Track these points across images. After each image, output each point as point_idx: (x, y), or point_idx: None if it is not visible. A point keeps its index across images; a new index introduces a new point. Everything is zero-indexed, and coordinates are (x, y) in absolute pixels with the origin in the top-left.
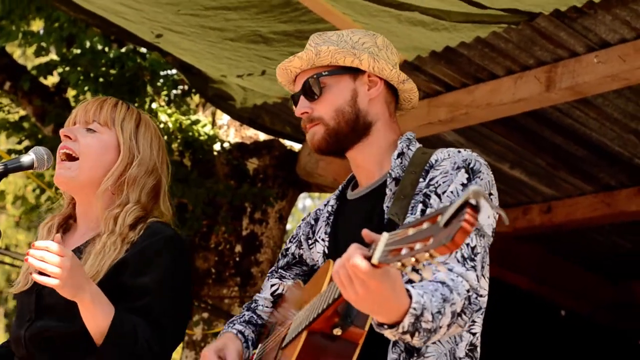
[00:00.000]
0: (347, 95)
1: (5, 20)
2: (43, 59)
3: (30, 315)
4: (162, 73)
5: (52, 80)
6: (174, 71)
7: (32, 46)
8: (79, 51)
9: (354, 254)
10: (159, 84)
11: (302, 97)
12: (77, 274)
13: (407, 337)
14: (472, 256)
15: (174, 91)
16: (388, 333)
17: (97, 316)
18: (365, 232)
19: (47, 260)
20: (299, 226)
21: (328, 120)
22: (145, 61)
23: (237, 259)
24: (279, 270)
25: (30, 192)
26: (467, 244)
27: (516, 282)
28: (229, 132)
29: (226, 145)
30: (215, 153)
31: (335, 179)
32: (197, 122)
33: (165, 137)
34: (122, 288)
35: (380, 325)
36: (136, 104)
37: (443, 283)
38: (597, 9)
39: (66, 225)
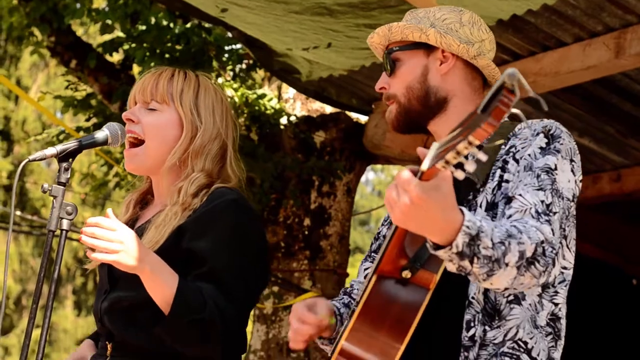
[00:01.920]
0: (418, 72)
1: None
2: (108, 37)
3: (105, 288)
4: (227, 48)
5: (117, 57)
6: (239, 45)
7: (97, 24)
8: (144, 27)
9: (401, 171)
10: (224, 58)
11: (383, 73)
12: (133, 246)
13: (466, 264)
14: (547, 212)
15: (239, 65)
16: (443, 254)
17: (160, 286)
18: (419, 149)
19: (98, 236)
20: None
21: (400, 97)
22: (211, 36)
23: (306, 232)
24: (372, 254)
25: (96, 170)
26: (542, 201)
27: (586, 251)
28: (295, 105)
29: (293, 118)
30: (282, 127)
31: (402, 150)
32: (263, 96)
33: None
34: (182, 254)
35: (435, 247)
36: None
37: (512, 225)
38: None
39: (145, 200)
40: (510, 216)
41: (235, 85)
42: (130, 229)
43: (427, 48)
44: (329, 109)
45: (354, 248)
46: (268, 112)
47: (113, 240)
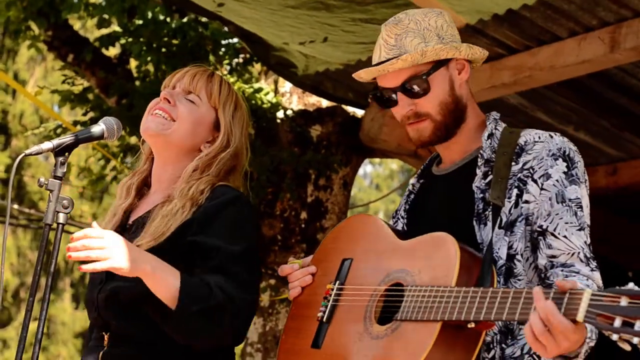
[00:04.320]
0: (447, 86)
1: None
2: (105, 31)
3: (101, 278)
4: (223, 42)
5: (114, 51)
6: (236, 40)
7: (94, 18)
8: (140, 22)
9: (554, 311)
10: (221, 53)
11: (401, 95)
12: (124, 248)
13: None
14: (592, 254)
15: (236, 60)
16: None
17: (162, 282)
18: (560, 283)
19: (88, 246)
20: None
21: (435, 115)
22: (207, 30)
23: (303, 225)
24: None
25: (94, 163)
26: (586, 242)
27: None
28: (292, 99)
29: (289, 112)
30: (278, 121)
31: (399, 144)
32: (259, 90)
33: None
34: (185, 246)
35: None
36: None
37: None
38: None
39: (143, 188)
40: (554, 256)
41: (232, 80)
42: (127, 219)
43: (446, 61)
44: (325, 103)
45: None
46: (265, 106)
47: (104, 247)
